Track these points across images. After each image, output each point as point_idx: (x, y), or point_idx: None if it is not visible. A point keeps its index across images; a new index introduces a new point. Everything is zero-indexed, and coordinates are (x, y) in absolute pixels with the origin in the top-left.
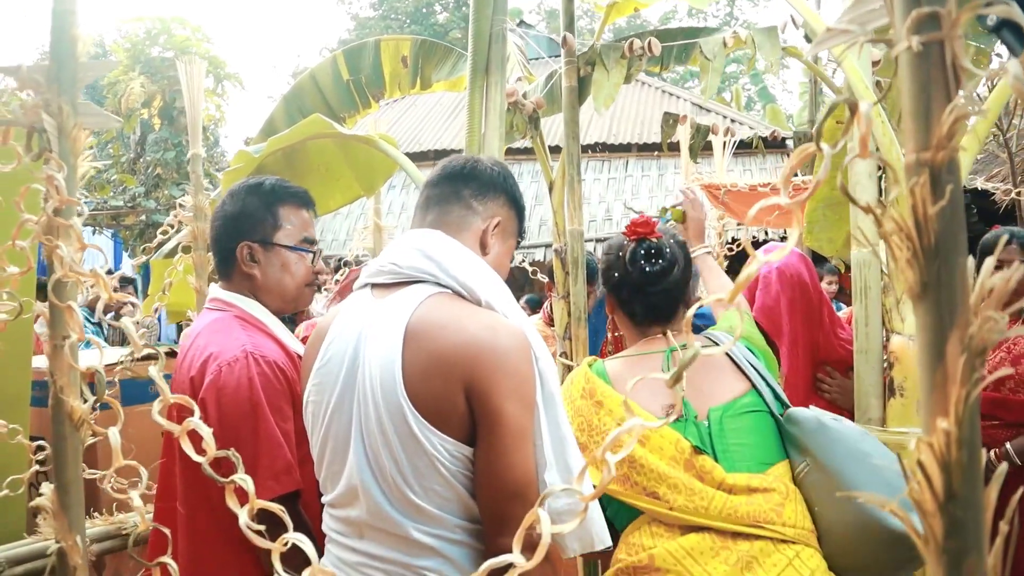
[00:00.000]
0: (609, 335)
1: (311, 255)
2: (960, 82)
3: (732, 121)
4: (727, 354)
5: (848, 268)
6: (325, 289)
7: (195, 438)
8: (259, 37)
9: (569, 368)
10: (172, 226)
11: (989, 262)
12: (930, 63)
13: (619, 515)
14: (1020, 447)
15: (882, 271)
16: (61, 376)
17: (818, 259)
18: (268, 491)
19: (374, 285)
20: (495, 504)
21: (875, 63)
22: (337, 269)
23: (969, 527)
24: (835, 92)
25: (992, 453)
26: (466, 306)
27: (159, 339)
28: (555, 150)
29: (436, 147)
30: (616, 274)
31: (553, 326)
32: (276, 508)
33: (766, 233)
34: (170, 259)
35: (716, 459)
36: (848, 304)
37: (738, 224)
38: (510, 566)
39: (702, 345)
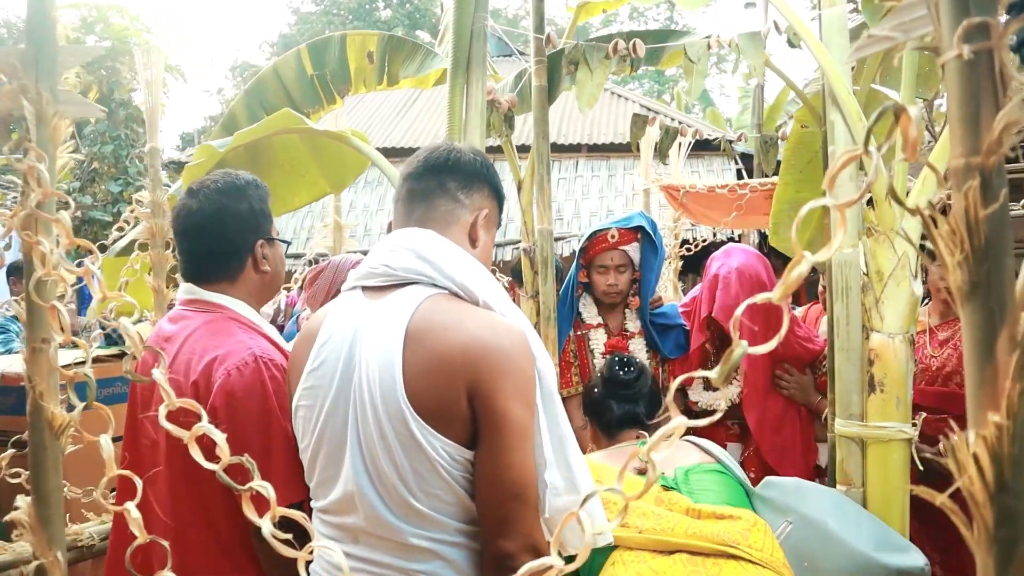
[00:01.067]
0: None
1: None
2: (1007, 89)
3: (679, 123)
4: (695, 444)
5: (813, 268)
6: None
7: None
8: (197, 29)
9: None
10: (128, 222)
11: None
12: (979, 71)
13: (595, 561)
14: None
15: (862, 271)
16: (40, 381)
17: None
18: (285, 499)
19: (365, 287)
20: (494, 505)
21: (853, 68)
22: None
23: (1020, 517)
24: (801, 98)
25: (941, 445)
26: (465, 306)
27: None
28: (519, 149)
29: (386, 144)
30: (595, 389)
31: None
32: (299, 516)
33: (715, 235)
34: (125, 256)
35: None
36: (801, 304)
37: (691, 224)
38: (506, 567)
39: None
